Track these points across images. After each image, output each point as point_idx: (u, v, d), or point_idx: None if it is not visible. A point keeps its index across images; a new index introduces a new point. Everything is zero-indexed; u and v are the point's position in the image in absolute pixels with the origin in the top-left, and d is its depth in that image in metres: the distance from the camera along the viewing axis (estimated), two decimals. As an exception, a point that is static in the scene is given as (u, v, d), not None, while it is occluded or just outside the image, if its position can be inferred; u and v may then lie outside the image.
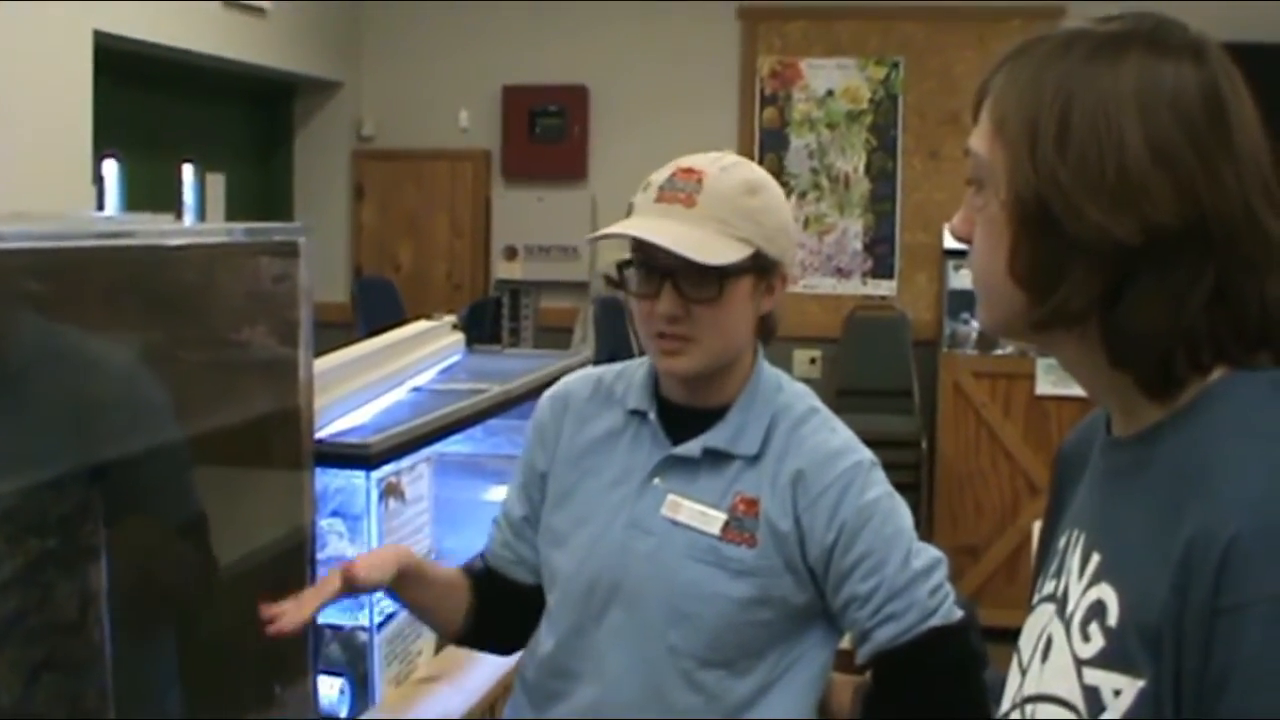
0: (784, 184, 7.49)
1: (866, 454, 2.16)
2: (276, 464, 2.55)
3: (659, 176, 2.13)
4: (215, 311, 2.52)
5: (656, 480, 2.17)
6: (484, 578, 2.38)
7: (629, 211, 2.15)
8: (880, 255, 7.60)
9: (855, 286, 7.62)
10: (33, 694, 2.38)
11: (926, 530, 6.84)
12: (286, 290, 2.47)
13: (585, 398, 2.30)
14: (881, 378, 7.23)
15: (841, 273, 7.63)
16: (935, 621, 2.06)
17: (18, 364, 2.28)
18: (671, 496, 2.15)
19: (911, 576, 2.07)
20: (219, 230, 2.38)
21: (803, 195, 7.65)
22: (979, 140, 1.29)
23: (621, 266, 2.17)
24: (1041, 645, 1.29)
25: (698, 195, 2.08)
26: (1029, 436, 6.81)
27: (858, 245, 7.63)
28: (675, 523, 2.14)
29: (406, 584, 2.26)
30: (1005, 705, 1.33)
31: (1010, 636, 1.39)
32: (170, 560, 2.54)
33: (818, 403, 2.24)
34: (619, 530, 2.17)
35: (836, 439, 2.16)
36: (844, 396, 7.09)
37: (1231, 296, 1.20)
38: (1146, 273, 1.19)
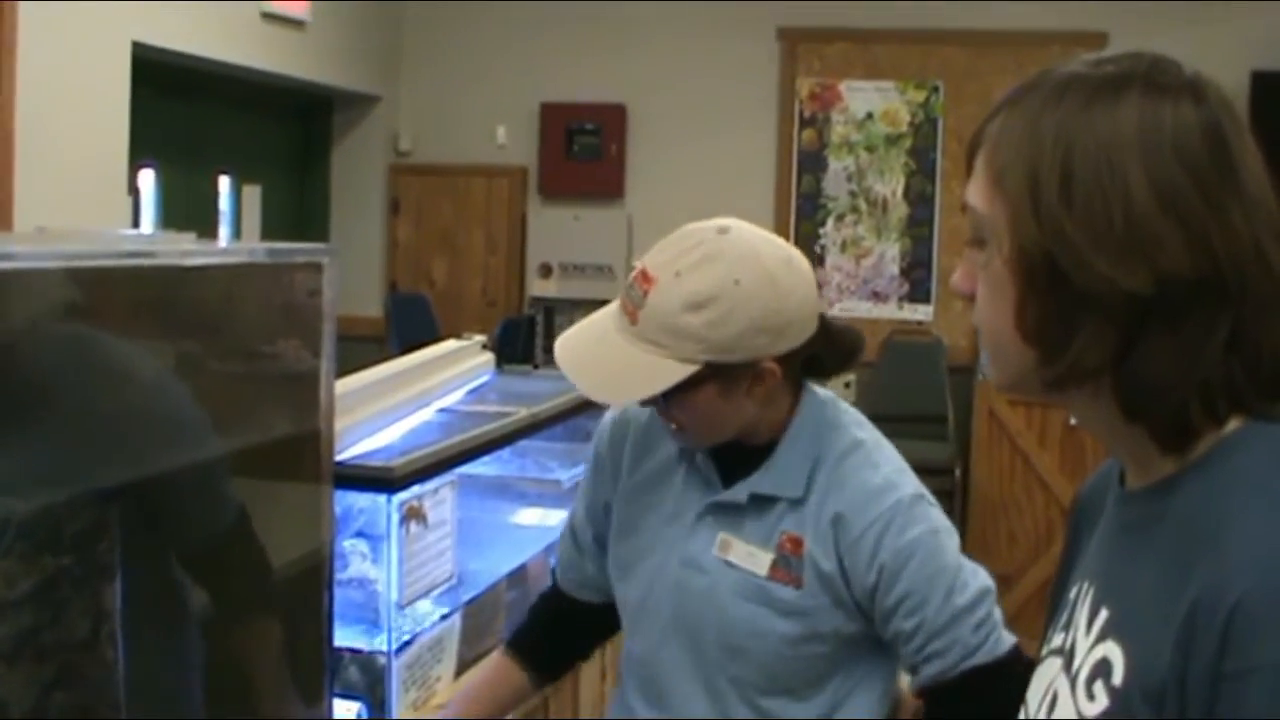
0: (821, 206, 7.56)
1: (908, 489, 2.14)
2: (298, 485, 2.52)
3: (630, 274, 2.10)
4: (238, 331, 2.49)
5: (708, 519, 2.20)
6: (543, 625, 2.51)
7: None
8: (917, 280, 7.56)
9: (892, 311, 7.58)
10: (43, 712, 2.35)
11: (958, 559, 6.78)
12: (312, 310, 2.44)
13: (644, 425, 2.30)
14: (916, 403, 7.18)
15: (878, 296, 7.59)
16: (978, 660, 2.06)
17: (44, 379, 2.26)
18: (722, 535, 2.18)
19: (953, 615, 2.06)
20: (242, 250, 2.35)
21: (840, 218, 7.62)
22: (977, 195, 1.24)
23: None
24: (1048, 700, 1.25)
25: (640, 311, 2.04)
26: (1064, 465, 6.75)
27: (895, 269, 7.58)
28: (727, 562, 2.17)
29: None
30: None
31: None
32: (210, 570, 2.52)
33: (865, 432, 2.22)
34: (675, 567, 2.21)
35: (877, 476, 2.14)
36: (878, 422, 6.93)
37: (1246, 343, 1.16)
38: (1159, 323, 1.15)
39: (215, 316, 2.43)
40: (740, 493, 2.17)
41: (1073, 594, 1.30)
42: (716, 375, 2.05)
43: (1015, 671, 2.06)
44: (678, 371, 2.03)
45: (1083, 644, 1.22)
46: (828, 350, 2.18)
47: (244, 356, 2.48)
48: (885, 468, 2.16)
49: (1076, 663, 1.21)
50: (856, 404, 7.22)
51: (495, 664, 2.55)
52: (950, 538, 2.14)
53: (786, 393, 2.17)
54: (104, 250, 2.11)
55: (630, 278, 2.07)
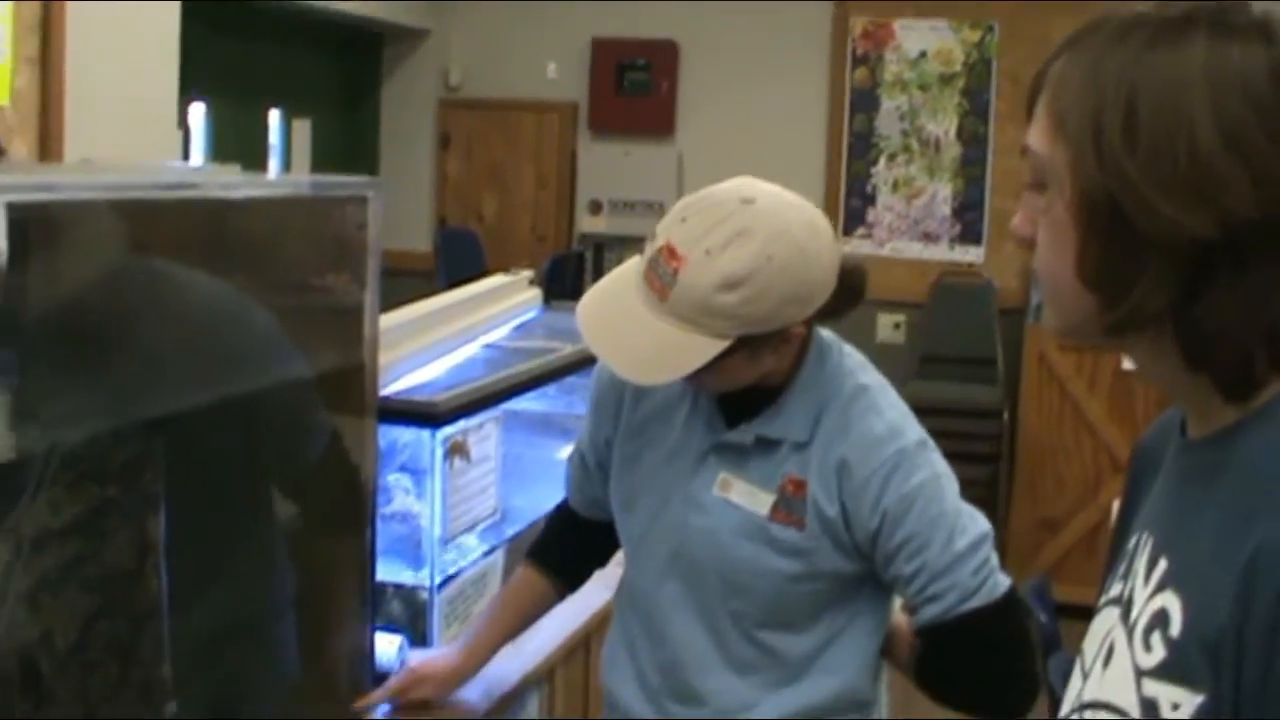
0: (873, 145, 7.50)
1: (912, 435, 2.18)
2: (342, 419, 2.52)
3: (651, 246, 2.06)
4: (283, 264, 2.49)
5: (710, 458, 2.23)
6: (559, 536, 2.58)
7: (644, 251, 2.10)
8: (969, 221, 7.49)
9: (942, 252, 7.51)
10: (87, 641, 2.37)
11: (1005, 503, 6.75)
12: (357, 243, 2.43)
13: None
14: (966, 345, 7.13)
15: (929, 237, 7.53)
16: (976, 602, 2.13)
17: (110, 313, 2.26)
18: (723, 475, 2.21)
19: (953, 558, 2.13)
20: (287, 183, 2.35)
21: (892, 158, 7.55)
22: (1038, 138, 1.22)
23: None
24: (1104, 651, 1.23)
25: (671, 289, 2.01)
26: (1114, 412, 6.69)
27: (946, 210, 7.52)
28: (727, 501, 2.20)
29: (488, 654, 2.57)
30: (1065, 708, 1.28)
31: (1087, 614, 1.34)
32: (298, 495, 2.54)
33: (870, 377, 2.25)
34: (677, 505, 2.24)
35: (881, 423, 2.17)
36: (928, 363, 7.01)
37: None
38: (1224, 268, 1.12)
39: (260, 250, 2.42)
40: (746, 434, 2.20)
41: (1131, 543, 1.27)
42: (746, 344, 2.06)
43: (1011, 613, 2.18)
44: (712, 348, 2.02)
45: (1141, 594, 1.19)
46: (841, 296, 2.17)
47: (289, 290, 2.48)
48: (889, 413, 2.19)
49: (1134, 613, 1.19)
50: (906, 346, 7.17)
51: (520, 575, 2.60)
52: (950, 483, 2.18)
53: (784, 358, 2.19)
54: (147, 182, 2.10)
55: (654, 252, 2.04)
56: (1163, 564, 1.18)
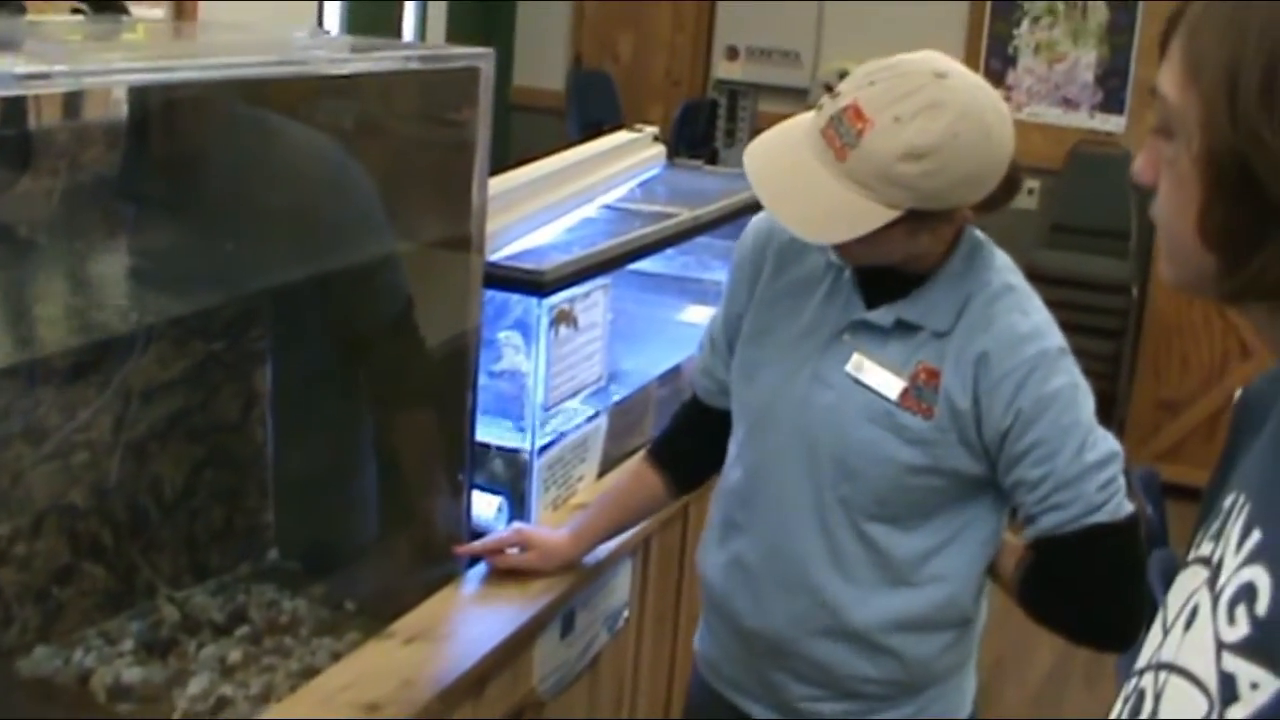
0: (1017, 6, 7.30)
1: (1055, 340, 2.13)
2: (449, 286, 2.54)
3: (833, 104, 2.00)
4: (392, 131, 2.49)
5: (845, 336, 2.19)
6: (679, 434, 2.57)
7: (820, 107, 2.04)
8: (1111, 89, 7.29)
9: (1082, 119, 7.33)
10: (194, 488, 2.45)
11: (1127, 381, 6.67)
12: (468, 113, 2.43)
13: (789, 237, 2.22)
14: (1099, 217, 6.97)
15: (1068, 103, 7.35)
16: (1099, 518, 2.08)
17: (217, 161, 2.30)
18: (857, 355, 2.17)
19: (1082, 470, 2.08)
20: (396, 57, 2.34)
21: (1036, 20, 7.36)
22: (1169, 83, 1.14)
23: None
24: (1187, 612, 1.19)
25: (851, 150, 1.96)
26: (1246, 294, 6.55)
27: (1089, 76, 7.32)
28: (857, 381, 2.16)
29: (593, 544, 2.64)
30: (1140, 661, 1.25)
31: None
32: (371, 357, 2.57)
33: (1017, 279, 2.20)
34: (803, 381, 2.21)
35: (1026, 323, 2.12)
36: (1058, 232, 6.89)
37: None
38: None
39: (372, 119, 2.43)
40: (886, 316, 2.16)
41: (1228, 503, 1.22)
42: (912, 218, 2.01)
43: (1130, 539, 2.13)
44: (881, 216, 1.98)
45: (1230, 562, 1.14)
46: (1000, 188, 2.11)
47: (398, 156, 2.49)
48: (1035, 315, 2.15)
49: (1221, 580, 1.14)
50: (1038, 213, 6.98)
51: (634, 471, 2.60)
52: (1087, 397, 2.13)
53: (953, 228, 2.15)
54: (259, 60, 2.11)
55: (838, 110, 1.99)
56: (1256, 535, 1.13)
